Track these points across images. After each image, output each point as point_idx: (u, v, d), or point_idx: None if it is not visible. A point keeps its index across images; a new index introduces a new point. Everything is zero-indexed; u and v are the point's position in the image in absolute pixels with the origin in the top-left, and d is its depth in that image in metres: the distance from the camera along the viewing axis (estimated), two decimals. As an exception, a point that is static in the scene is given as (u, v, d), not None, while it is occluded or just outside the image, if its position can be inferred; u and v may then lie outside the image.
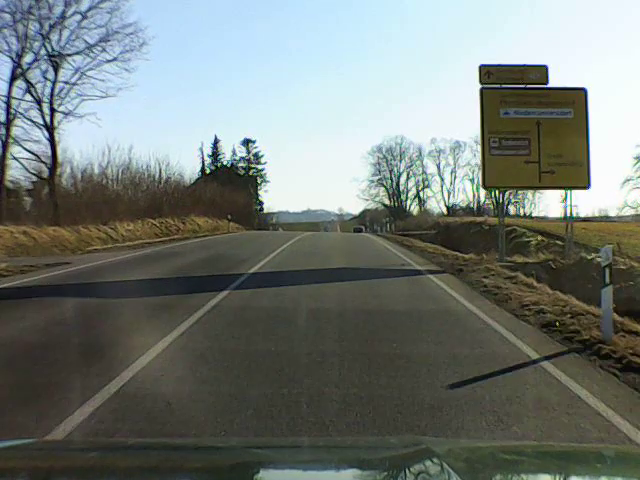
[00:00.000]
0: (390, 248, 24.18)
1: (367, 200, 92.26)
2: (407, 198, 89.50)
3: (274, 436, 3.96)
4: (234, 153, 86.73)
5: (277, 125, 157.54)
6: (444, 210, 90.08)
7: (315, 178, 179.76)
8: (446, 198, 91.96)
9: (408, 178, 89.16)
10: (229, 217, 47.96)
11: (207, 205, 47.30)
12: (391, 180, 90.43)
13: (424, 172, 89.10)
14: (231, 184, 68.29)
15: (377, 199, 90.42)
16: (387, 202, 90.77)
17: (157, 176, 42.71)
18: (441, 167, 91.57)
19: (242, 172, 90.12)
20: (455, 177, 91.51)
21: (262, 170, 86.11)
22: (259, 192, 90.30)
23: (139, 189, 38.63)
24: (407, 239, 31.08)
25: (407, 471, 2.05)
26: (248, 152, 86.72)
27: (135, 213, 32.48)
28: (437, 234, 39.58)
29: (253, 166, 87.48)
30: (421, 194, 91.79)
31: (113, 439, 3.72)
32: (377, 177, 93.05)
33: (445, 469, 1.99)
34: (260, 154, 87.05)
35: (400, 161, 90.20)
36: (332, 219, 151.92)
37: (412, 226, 53.48)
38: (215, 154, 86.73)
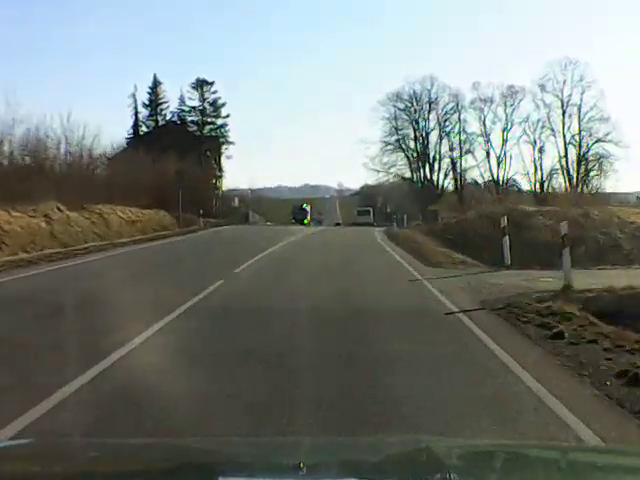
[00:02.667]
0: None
1: (378, 172, 60.19)
2: (439, 169, 58.02)
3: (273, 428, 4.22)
4: (182, 101, 54.29)
5: (249, 69, 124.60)
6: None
7: (313, 147, 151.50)
8: (494, 170, 66.28)
9: (440, 139, 57.36)
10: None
11: (136, 188, 33.01)
12: (415, 142, 58.29)
13: (464, 130, 57.37)
14: (178, 148, 48.64)
15: (393, 170, 59.48)
16: (408, 175, 58.72)
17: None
18: (487, 124, 65.29)
19: (194, 129, 66.59)
20: (507, 139, 64.99)
21: (223, 127, 54.40)
22: (221, 160, 65.86)
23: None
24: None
25: (407, 471, 2.18)
26: (203, 99, 54.23)
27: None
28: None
29: (210, 119, 55.08)
30: (460, 163, 59.79)
31: (113, 439, 3.87)
32: (394, 137, 68.56)
33: (445, 469, 2.11)
34: (219, 102, 54.56)
35: (428, 113, 57.89)
36: (332, 195, 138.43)
37: (473, 221, 28.66)
38: (154, 103, 54.34)
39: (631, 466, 2.22)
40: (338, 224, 75.36)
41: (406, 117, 65.41)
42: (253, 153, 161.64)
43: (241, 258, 17.34)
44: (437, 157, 64.66)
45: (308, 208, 77.36)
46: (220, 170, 63.87)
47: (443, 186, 64.65)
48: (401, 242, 25.93)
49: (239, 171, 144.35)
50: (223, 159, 65.54)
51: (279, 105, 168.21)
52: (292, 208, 74.26)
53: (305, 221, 70.11)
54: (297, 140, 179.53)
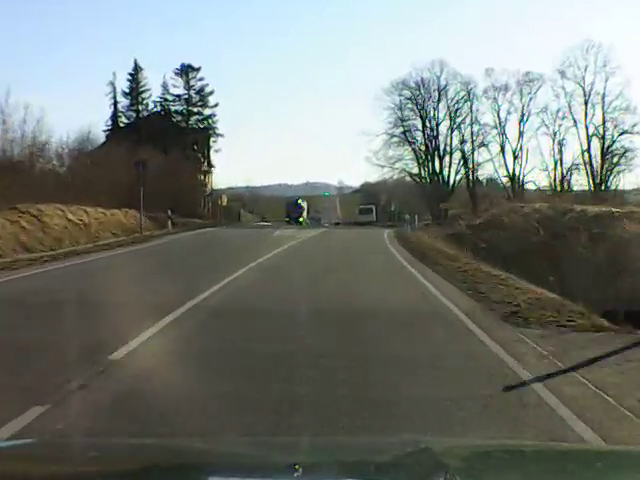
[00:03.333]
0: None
1: (382, 167, 54.61)
2: (450, 163, 52.37)
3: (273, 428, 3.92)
4: (165, 89, 48.78)
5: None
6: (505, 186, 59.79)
7: (313, 143, 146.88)
8: (510, 165, 59.52)
9: (451, 131, 51.64)
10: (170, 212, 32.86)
11: (107, 185, 29.49)
12: (423, 134, 52.59)
13: (476, 121, 51.73)
14: (161, 141, 44.19)
15: (398, 165, 53.87)
16: (415, 170, 53.03)
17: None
18: (502, 114, 58.74)
19: (179, 120, 59.47)
20: (524, 131, 58.28)
21: (211, 118, 49.02)
22: (210, 154, 59.92)
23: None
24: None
25: (407, 471, 2.20)
26: (188, 87, 48.58)
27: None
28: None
29: (196, 109, 50.11)
30: (472, 157, 54.01)
31: (113, 439, 3.84)
32: (399, 129, 62.10)
33: (445, 469, 2.14)
34: (207, 90, 49.13)
35: (438, 103, 52.32)
36: (331, 193, 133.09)
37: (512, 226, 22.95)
38: (134, 92, 48.75)
39: (631, 466, 2.25)
40: (337, 223, 72.09)
41: (413, 107, 59.82)
42: (250, 149, 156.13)
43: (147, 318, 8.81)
44: (447, 151, 59.26)
45: (304, 204, 73.27)
46: (209, 165, 58.11)
47: (454, 183, 58.82)
48: (425, 255, 19.48)
49: (236, 168, 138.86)
50: (212, 154, 59.89)
51: (276, 99, 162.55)
52: (285, 205, 69.29)
53: (300, 219, 65.60)
54: (297, 136, 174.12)
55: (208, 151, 60.43)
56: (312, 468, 2.16)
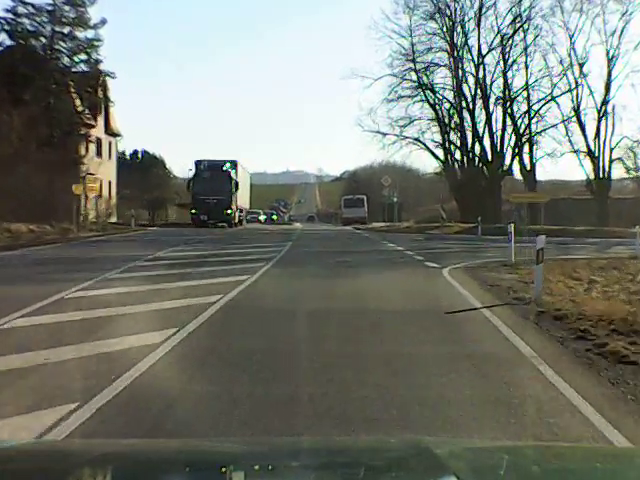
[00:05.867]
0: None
1: (383, 135, 27.23)
2: (502, 132, 27.19)
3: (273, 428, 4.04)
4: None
5: None
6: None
7: (295, 132, 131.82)
8: (591, 134, 36.73)
9: (503, 73, 25.92)
10: None
11: None
12: (456, 75, 25.21)
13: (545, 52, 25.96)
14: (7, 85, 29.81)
15: (410, 130, 28.44)
16: (437, 138, 26.75)
17: None
18: (579, 43, 44.67)
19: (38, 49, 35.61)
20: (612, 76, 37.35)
21: (95, 45, 22.16)
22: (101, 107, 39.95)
23: None
24: None
25: (408, 472, 2.21)
26: None
27: None
28: None
29: (67, 30, 25.83)
30: (529, 119, 27.46)
31: (113, 439, 3.84)
32: (409, 68, 37.22)
33: (446, 470, 2.14)
34: None
35: (477, 22, 26.58)
36: (311, 181, 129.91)
37: None
38: None
39: (631, 466, 2.26)
40: (311, 218, 61.52)
41: (433, 32, 36.34)
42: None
43: None
44: (495, 105, 35.68)
45: (232, 173, 40.09)
46: (94, 120, 34.77)
47: (510, 163, 35.72)
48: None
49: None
50: (112, 111, 36.62)
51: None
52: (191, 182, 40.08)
53: (228, 212, 37.52)
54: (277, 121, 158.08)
55: (101, 105, 37.30)
56: (312, 469, 2.19)
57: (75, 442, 3.59)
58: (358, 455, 2.36)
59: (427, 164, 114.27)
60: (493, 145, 35.44)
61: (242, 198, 43.75)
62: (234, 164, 40.41)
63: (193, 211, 36.84)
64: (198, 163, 39.06)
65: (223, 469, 2.17)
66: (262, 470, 2.18)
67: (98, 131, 41.94)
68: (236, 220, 38.83)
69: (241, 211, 43.00)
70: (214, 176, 37.02)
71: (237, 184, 38.90)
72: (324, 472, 2.17)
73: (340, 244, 25.56)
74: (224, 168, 38.35)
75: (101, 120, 42.71)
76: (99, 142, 42.11)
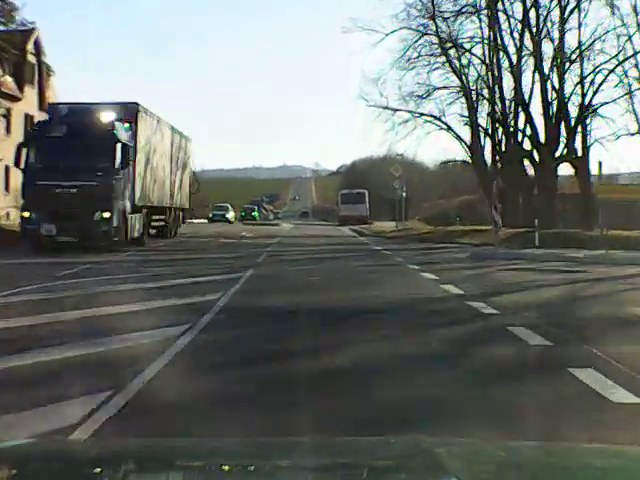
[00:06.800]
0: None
1: (393, 112, 13.76)
2: (548, 107, 13.60)
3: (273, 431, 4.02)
4: None
5: None
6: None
7: (290, 126, 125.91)
8: None
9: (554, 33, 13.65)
10: None
11: None
12: (485, 44, 13.80)
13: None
14: None
15: (428, 106, 32.49)
16: (464, 113, 13.06)
17: None
18: None
19: None
20: None
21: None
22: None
23: None
24: None
25: (408, 472, 2.21)
26: None
27: None
28: None
29: None
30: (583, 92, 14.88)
31: (113, 439, 3.81)
32: (426, 25, 29.65)
33: (446, 470, 2.13)
34: None
35: None
36: (307, 176, 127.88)
37: None
38: None
39: (631, 466, 2.24)
40: (305, 213, 63.43)
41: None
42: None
43: None
44: (552, 67, 26.79)
45: (121, 131, 20.01)
46: (20, 91, 26.14)
47: (571, 144, 26.83)
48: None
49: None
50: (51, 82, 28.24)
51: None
52: None
53: (98, 222, 19.48)
54: (274, 116, 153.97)
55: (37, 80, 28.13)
56: (312, 469, 2.18)
57: (75, 442, 3.52)
58: (358, 455, 2.36)
59: (431, 156, 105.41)
60: (547, 121, 26.74)
61: (170, 187, 26.47)
62: (132, 112, 21.36)
63: (25, 214, 19.47)
64: (53, 109, 22.28)
65: (223, 469, 2.18)
66: (262, 470, 2.20)
67: (27, 105, 33.39)
68: (124, 235, 20.33)
69: (173, 211, 27.24)
70: (77, 136, 18.89)
71: (133, 153, 20.73)
72: (324, 472, 2.19)
73: (344, 281, 14.34)
74: (102, 119, 19.83)
75: (32, 92, 34.19)
76: (29, 120, 33.33)
